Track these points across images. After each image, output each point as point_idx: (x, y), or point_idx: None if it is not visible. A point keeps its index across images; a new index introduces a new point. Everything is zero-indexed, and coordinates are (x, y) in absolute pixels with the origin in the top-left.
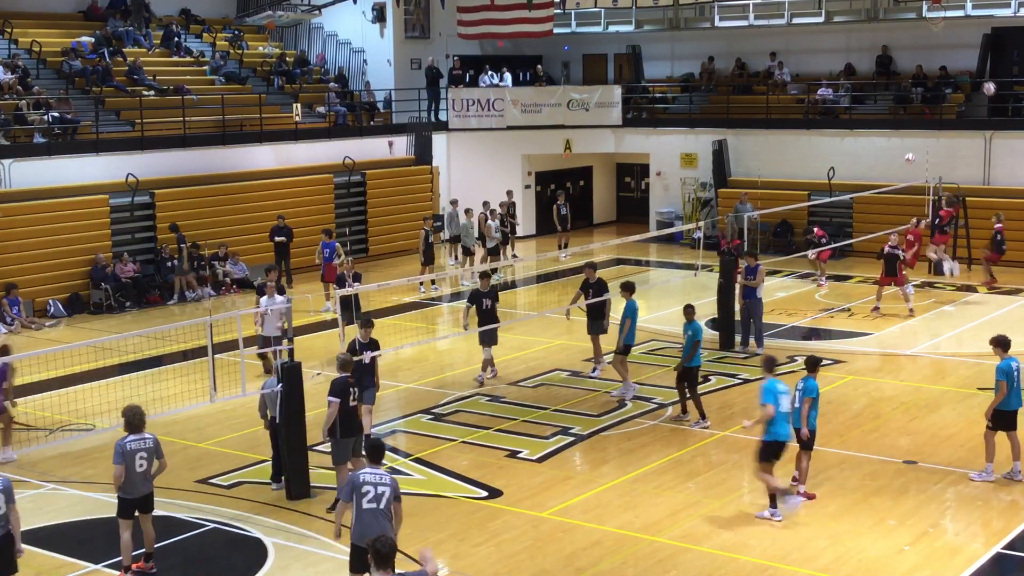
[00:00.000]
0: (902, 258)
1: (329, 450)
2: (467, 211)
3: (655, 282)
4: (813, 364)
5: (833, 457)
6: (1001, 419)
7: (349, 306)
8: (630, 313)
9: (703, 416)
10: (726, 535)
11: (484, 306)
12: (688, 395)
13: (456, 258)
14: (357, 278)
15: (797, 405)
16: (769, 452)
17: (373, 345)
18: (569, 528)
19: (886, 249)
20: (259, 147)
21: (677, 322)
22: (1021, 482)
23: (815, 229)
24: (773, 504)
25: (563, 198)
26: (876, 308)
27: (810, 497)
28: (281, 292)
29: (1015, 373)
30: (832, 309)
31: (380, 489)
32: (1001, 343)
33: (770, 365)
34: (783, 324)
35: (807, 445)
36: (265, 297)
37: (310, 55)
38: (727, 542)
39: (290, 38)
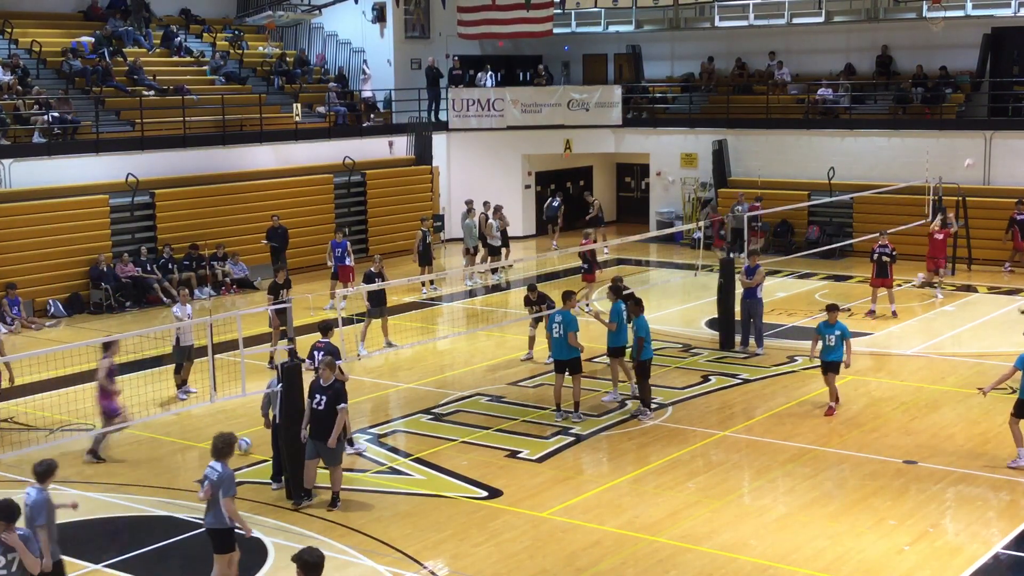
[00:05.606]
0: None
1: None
2: (470, 211)
3: (655, 282)
4: (832, 308)
5: (833, 457)
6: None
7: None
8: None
9: (645, 404)
10: (726, 535)
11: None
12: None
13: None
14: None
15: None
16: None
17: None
18: (569, 528)
19: (877, 250)
20: (259, 147)
21: (676, 322)
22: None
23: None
24: None
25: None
26: (872, 311)
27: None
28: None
29: None
30: None
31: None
32: None
33: None
34: (783, 324)
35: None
36: (177, 305)
37: (310, 55)
38: (727, 542)
39: (290, 38)
